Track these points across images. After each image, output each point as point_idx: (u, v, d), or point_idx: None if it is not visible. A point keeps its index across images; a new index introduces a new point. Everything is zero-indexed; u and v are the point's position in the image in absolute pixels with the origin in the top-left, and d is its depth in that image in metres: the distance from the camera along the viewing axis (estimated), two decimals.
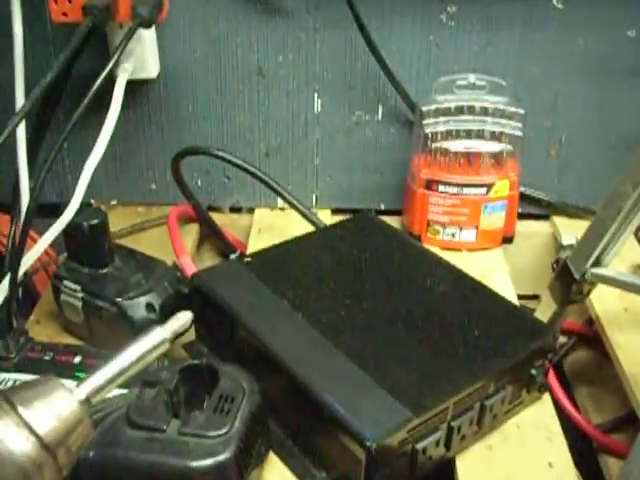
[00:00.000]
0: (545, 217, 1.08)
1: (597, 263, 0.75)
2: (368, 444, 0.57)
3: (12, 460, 0.32)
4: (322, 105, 1.01)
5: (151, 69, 0.96)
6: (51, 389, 0.34)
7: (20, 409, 0.33)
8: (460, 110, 0.94)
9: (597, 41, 0.96)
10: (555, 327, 0.81)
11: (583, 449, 0.82)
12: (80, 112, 0.78)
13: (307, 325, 0.69)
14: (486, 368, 0.66)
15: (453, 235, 0.96)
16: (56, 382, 0.35)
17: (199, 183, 1.06)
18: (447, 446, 0.65)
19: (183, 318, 0.42)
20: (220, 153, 0.90)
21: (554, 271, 0.80)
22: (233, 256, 1.01)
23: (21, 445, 0.32)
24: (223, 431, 0.57)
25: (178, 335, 0.42)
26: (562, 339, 1.00)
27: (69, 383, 0.37)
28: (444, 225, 0.96)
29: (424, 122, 0.94)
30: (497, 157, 0.95)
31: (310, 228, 0.91)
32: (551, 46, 0.97)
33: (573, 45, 0.97)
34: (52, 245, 0.85)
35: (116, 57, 0.79)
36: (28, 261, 0.83)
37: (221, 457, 0.56)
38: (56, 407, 0.34)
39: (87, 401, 0.35)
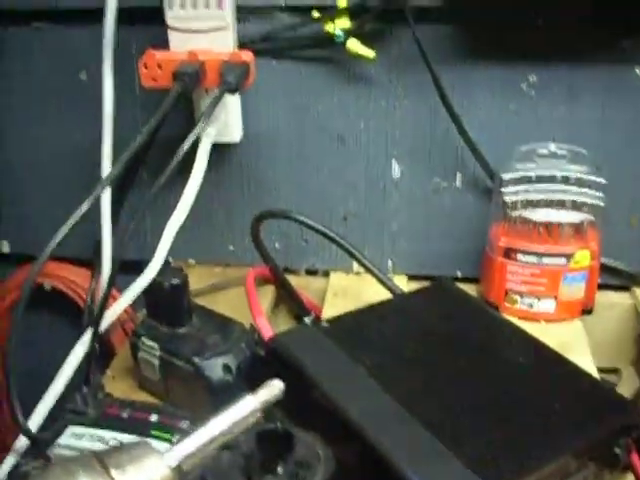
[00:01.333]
0: (626, 288, 1.05)
1: None
2: None
3: None
4: (401, 171, 1.02)
5: (234, 134, 0.98)
6: (144, 454, 0.35)
7: (113, 472, 0.33)
8: (540, 179, 0.93)
9: None
10: (639, 404, 0.78)
11: None
12: (167, 174, 0.80)
13: (383, 392, 0.68)
14: (567, 445, 0.64)
15: (531, 305, 0.95)
16: (149, 447, 0.35)
17: (277, 245, 1.07)
18: None
19: (275, 388, 0.42)
20: (299, 217, 0.91)
21: (639, 343, 0.78)
22: (307, 319, 1.01)
23: None
24: None
25: (269, 405, 0.42)
26: None
27: (158, 445, 0.37)
28: (522, 295, 0.95)
29: (504, 190, 0.93)
30: (577, 227, 0.93)
31: (386, 294, 0.91)
32: (634, 115, 0.96)
33: None
34: None
35: (203, 122, 0.81)
36: (110, 317, 0.84)
37: None
38: (148, 473, 0.34)
39: (178, 468, 0.35)
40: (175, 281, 0.79)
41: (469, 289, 0.98)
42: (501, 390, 0.70)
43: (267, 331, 0.85)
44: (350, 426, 0.65)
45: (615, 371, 1.03)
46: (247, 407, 0.40)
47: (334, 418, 0.67)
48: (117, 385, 0.85)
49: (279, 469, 0.60)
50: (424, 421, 0.65)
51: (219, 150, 1.00)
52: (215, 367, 0.77)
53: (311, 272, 1.10)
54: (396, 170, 1.02)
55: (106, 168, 0.92)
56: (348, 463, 0.64)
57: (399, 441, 0.63)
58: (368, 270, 0.92)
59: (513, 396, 0.70)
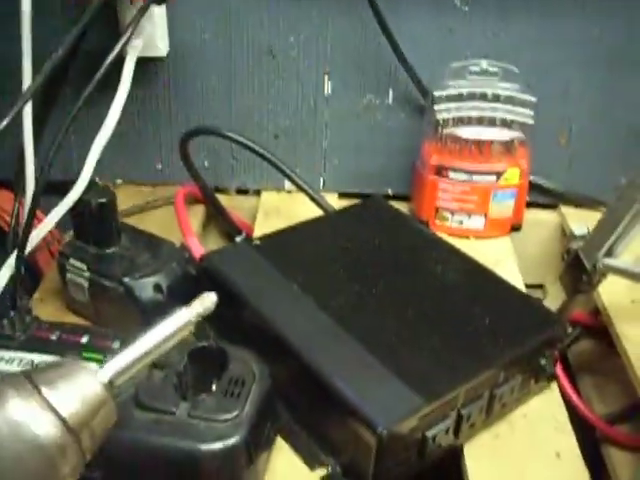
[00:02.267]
0: (553, 206, 1.07)
1: (609, 254, 0.74)
2: (379, 430, 0.56)
3: (36, 443, 0.31)
4: (332, 88, 1.00)
5: (160, 47, 0.95)
6: (75, 371, 0.34)
7: (44, 390, 0.32)
8: (472, 96, 0.93)
9: (612, 31, 0.96)
10: (564, 317, 0.80)
11: (585, 439, 0.82)
12: (90, 89, 0.77)
13: (317, 309, 0.69)
14: (497, 357, 0.65)
15: (461, 222, 0.96)
16: (80, 364, 0.34)
17: (206, 164, 1.05)
18: (456, 434, 0.64)
19: (208, 300, 0.41)
20: (229, 134, 0.89)
21: (564, 261, 0.80)
22: (239, 238, 1.00)
23: (45, 429, 0.31)
24: (233, 415, 0.57)
25: (202, 317, 0.41)
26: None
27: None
28: (453, 212, 0.95)
29: (436, 107, 0.93)
30: (508, 145, 0.94)
31: (317, 211, 0.91)
32: (566, 34, 0.96)
33: (588, 34, 0.96)
34: (55, 223, 0.84)
35: (129, 34, 0.78)
36: (35, 239, 0.82)
37: (231, 441, 0.56)
38: (80, 389, 0.33)
39: (110, 384, 0.35)
40: (102, 199, 0.77)
41: (400, 207, 0.98)
42: (432, 305, 0.71)
43: (198, 250, 0.84)
44: (284, 343, 0.66)
45: (541, 287, 1.05)
46: (180, 320, 0.39)
47: (268, 336, 0.67)
48: (45, 308, 0.83)
49: (213, 386, 0.60)
50: (357, 336, 0.65)
51: (145, 65, 0.97)
52: (146, 287, 0.76)
53: (242, 191, 1.08)
54: (328, 86, 1.00)
55: (27, 81, 0.88)
56: (283, 379, 0.65)
57: (333, 357, 0.63)
58: (300, 188, 0.91)
59: (444, 311, 0.71)
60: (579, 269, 0.77)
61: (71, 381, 0.33)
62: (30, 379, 0.33)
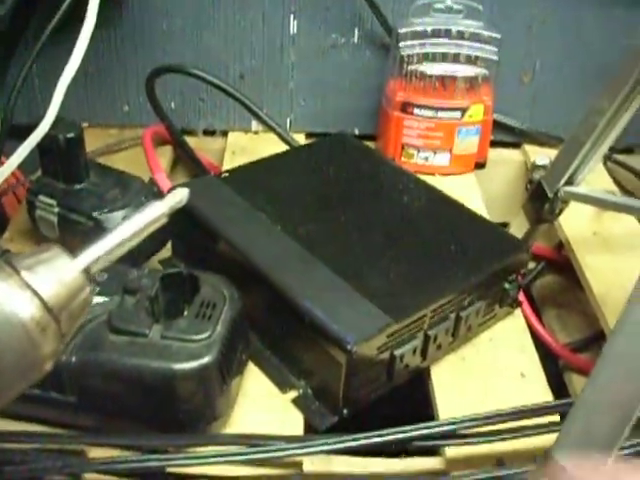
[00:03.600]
0: (517, 145, 1.09)
1: (570, 182, 0.76)
2: (349, 347, 0.58)
3: (16, 321, 0.32)
4: (298, 27, 1.00)
5: None
6: (54, 256, 0.35)
7: (24, 273, 0.33)
8: (437, 33, 0.94)
9: None
10: (528, 242, 0.82)
11: (549, 369, 0.85)
12: (51, 28, 0.77)
13: (285, 236, 0.70)
14: (462, 279, 0.67)
15: (427, 159, 0.97)
16: (59, 250, 0.35)
17: (173, 105, 1.05)
18: (423, 355, 0.66)
19: (179, 194, 0.42)
20: (196, 71, 0.90)
21: (527, 191, 0.82)
22: None
23: (25, 307, 0.32)
24: (205, 335, 0.58)
25: (174, 210, 0.42)
26: (532, 264, 1.02)
27: None
28: (418, 149, 0.97)
29: (400, 45, 0.93)
30: (472, 81, 0.95)
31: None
32: None
33: None
34: (19, 167, 0.84)
35: None
36: None
37: (204, 360, 0.57)
38: (59, 273, 0.34)
39: (87, 270, 0.35)
40: (70, 134, 0.77)
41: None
42: (399, 231, 0.73)
43: (166, 184, 0.85)
44: (254, 269, 0.66)
45: (505, 225, 1.07)
46: (153, 212, 0.40)
47: (238, 263, 0.68)
48: (15, 247, 0.83)
49: (185, 311, 0.61)
50: (326, 261, 0.66)
51: (110, 4, 0.96)
52: (115, 220, 0.76)
53: (209, 132, 1.08)
54: (293, 26, 1.00)
55: None
56: (254, 306, 0.66)
57: (302, 280, 0.65)
58: (267, 126, 0.92)
59: (410, 237, 0.72)
60: (541, 198, 0.78)
61: (50, 266, 0.34)
62: (10, 263, 0.33)
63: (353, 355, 0.58)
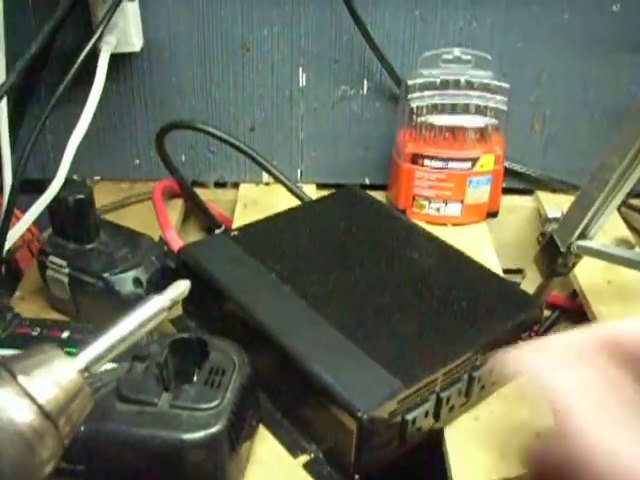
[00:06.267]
0: (529, 192, 1.08)
1: (582, 236, 0.76)
2: (359, 414, 0.57)
3: (14, 429, 0.31)
4: (307, 79, 1.01)
5: (134, 43, 0.95)
6: (51, 357, 0.34)
7: (20, 378, 0.33)
8: (445, 84, 0.94)
9: (582, 16, 0.97)
10: (542, 299, 0.81)
11: None
12: (64, 86, 0.78)
13: (295, 297, 0.69)
14: (474, 339, 0.66)
15: (438, 209, 0.97)
16: (55, 350, 0.35)
17: (183, 158, 1.06)
18: (436, 417, 0.65)
19: (181, 286, 0.42)
20: (205, 127, 0.90)
21: (540, 244, 0.81)
22: (218, 231, 1.00)
23: (23, 414, 0.32)
24: (214, 403, 0.57)
25: (176, 303, 0.42)
26: (546, 313, 1.01)
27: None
28: (429, 199, 0.96)
29: (409, 96, 0.93)
30: (482, 131, 0.95)
31: (295, 203, 0.91)
32: (536, 21, 0.97)
33: (558, 20, 0.97)
34: (34, 222, 0.85)
35: (100, 30, 0.79)
36: (13, 237, 0.82)
37: (213, 429, 0.56)
38: (56, 376, 0.34)
39: (86, 370, 0.35)
40: (79, 195, 0.77)
41: (377, 196, 0.99)
42: (409, 290, 0.72)
43: (176, 243, 0.85)
44: (264, 332, 0.66)
45: (520, 272, 1.06)
46: (153, 307, 0.40)
47: (248, 325, 0.68)
48: (27, 306, 0.84)
49: (194, 377, 0.60)
50: (336, 324, 0.66)
51: (120, 61, 0.97)
52: (125, 281, 0.76)
53: (220, 184, 1.09)
54: (302, 78, 1.01)
55: (1, 77, 0.88)
56: (264, 368, 0.65)
57: (311, 343, 0.64)
58: (277, 179, 0.92)
59: (421, 296, 0.71)
60: (554, 252, 0.77)
61: (47, 368, 0.34)
62: (6, 367, 0.33)
63: (364, 422, 0.57)
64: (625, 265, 0.76)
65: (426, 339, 0.66)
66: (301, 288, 0.70)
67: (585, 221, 0.73)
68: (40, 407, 0.33)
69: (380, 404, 0.59)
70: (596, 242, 0.76)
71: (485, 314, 0.69)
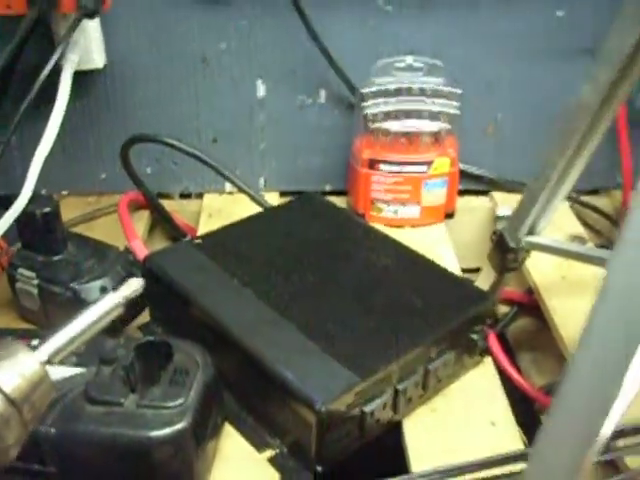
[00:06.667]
0: (485, 193, 1.11)
1: (531, 232, 0.79)
2: (317, 408, 0.60)
3: None
4: (266, 90, 1.04)
5: (97, 60, 0.97)
6: (15, 351, 0.37)
7: None
8: (399, 91, 0.97)
9: (528, 21, 1.00)
10: (495, 294, 0.84)
11: (525, 411, 0.86)
12: (28, 102, 0.80)
13: (256, 300, 0.72)
14: (428, 333, 0.69)
15: (396, 212, 1.00)
16: (19, 345, 0.37)
17: (148, 171, 1.08)
18: (394, 409, 0.68)
19: (134, 284, 0.45)
20: (168, 140, 0.92)
21: (492, 241, 0.84)
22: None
23: None
24: (179, 402, 0.60)
25: (129, 300, 0.44)
26: (505, 309, 1.04)
27: None
28: (387, 203, 0.99)
29: (364, 104, 0.97)
30: (436, 136, 0.98)
31: (258, 211, 0.94)
32: (485, 27, 1.01)
33: (505, 26, 1.01)
34: (3, 236, 0.86)
35: (61, 48, 0.81)
36: None
37: (178, 426, 0.58)
38: (20, 367, 0.36)
39: (48, 362, 0.38)
40: (46, 209, 0.80)
41: (338, 202, 1.02)
42: (366, 289, 0.75)
43: (142, 252, 0.87)
44: (227, 334, 0.69)
45: (479, 270, 1.09)
46: (108, 302, 0.42)
47: (212, 329, 0.71)
48: None
49: (160, 378, 0.63)
50: (295, 322, 0.69)
51: (83, 77, 0.99)
52: (92, 290, 0.78)
53: (185, 195, 1.11)
54: (261, 89, 1.04)
55: None
56: (227, 370, 0.68)
57: (272, 343, 0.67)
58: (239, 188, 0.95)
59: (378, 294, 0.74)
60: (505, 248, 0.81)
61: (12, 360, 0.37)
62: None
63: (322, 415, 0.60)
64: (572, 258, 0.80)
65: (382, 334, 0.69)
66: (262, 291, 0.73)
67: (532, 217, 0.77)
68: (5, 395, 0.35)
69: (337, 397, 0.61)
70: (544, 237, 0.79)
71: (439, 309, 0.72)
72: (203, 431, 0.62)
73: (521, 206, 0.78)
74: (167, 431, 0.58)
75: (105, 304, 0.42)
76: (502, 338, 0.98)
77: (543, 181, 0.73)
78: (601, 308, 0.44)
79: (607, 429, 0.44)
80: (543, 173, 0.73)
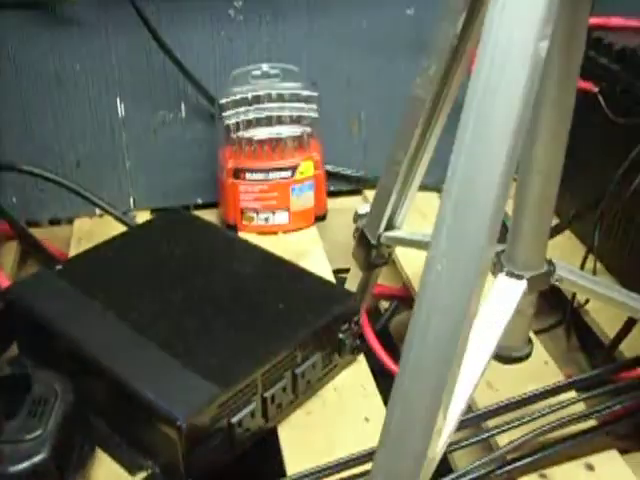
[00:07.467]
0: (358, 192, 1.13)
1: (389, 227, 0.80)
2: (179, 423, 0.60)
3: None
4: (125, 109, 1.03)
5: None
6: None
7: None
8: (257, 99, 0.98)
9: (379, 21, 1.03)
10: (364, 292, 0.85)
11: None
12: None
13: (118, 322, 0.71)
14: (290, 338, 0.69)
15: (267, 219, 1.00)
16: None
17: (14, 200, 1.05)
18: (265, 417, 0.68)
19: None
20: (27, 167, 0.91)
21: (355, 240, 0.85)
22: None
23: None
24: (37, 433, 0.59)
25: None
26: (385, 304, 1.06)
27: None
28: (257, 211, 1.00)
29: (224, 114, 0.97)
30: (299, 140, 0.99)
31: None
32: (337, 29, 1.03)
33: (357, 26, 1.02)
34: None
35: None
36: None
37: (37, 458, 0.58)
38: None
39: None
40: None
41: (210, 214, 1.02)
42: (229, 300, 0.75)
43: (4, 283, 0.85)
44: (88, 358, 0.68)
45: None
46: None
47: (74, 355, 0.70)
48: None
49: (18, 411, 0.61)
50: (156, 341, 0.68)
51: None
52: None
53: (55, 222, 1.09)
54: (121, 108, 1.03)
55: None
56: (96, 394, 0.67)
57: (133, 363, 0.66)
58: (103, 210, 0.93)
59: (241, 304, 0.74)
60: (367, 245, 0.81)
61: None
62: None
63: (184, 431, 0.60)
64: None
65: (244, 344, 0.69)
66: (124, 312, 0.72)
67: (388, 212, 0.78)
68: None
69: (199, 411, 0.61)
70: (402, 231, 0.80)
71: (301, 313, 0.73)
72: (67, 461, 0.61)
73: (376, 203, 0.79)
74: (26, 464, 0.58)
75: None
76: (385, 333, 1.00)
77: (392, 177, 0.74)
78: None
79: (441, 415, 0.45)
80: (391, 169, 0.75)
